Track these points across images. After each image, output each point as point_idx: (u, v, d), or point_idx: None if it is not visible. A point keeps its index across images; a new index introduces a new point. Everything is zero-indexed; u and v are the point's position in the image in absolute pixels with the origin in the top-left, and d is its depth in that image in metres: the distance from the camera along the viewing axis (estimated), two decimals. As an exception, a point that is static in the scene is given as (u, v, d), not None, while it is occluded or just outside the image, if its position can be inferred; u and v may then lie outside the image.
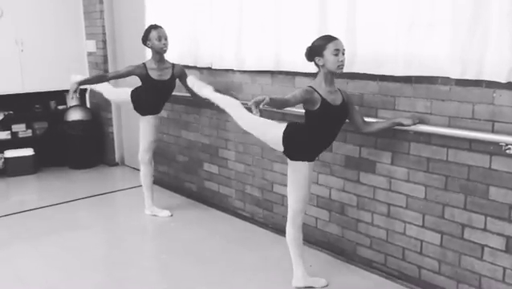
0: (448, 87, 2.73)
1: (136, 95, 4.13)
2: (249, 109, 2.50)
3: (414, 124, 2.83)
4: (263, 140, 3.10)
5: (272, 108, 2.69)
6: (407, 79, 2.90)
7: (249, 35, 3.79)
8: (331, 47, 2.70)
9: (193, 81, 3.70)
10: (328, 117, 2.80)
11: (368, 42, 3.01)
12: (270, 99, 2.46)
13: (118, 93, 4.36)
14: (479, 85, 2.60)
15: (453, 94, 2.71)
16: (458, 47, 2.59)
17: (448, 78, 2.70)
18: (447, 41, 2.65)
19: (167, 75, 4.05)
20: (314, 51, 2.75)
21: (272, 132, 2.96)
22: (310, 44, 2.79)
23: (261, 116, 2.51)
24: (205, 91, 3.53)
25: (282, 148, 2.90)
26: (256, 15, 3.71)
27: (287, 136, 2.86)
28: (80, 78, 3.99)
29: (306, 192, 2.94)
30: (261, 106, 2.44)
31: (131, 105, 4.17)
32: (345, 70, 3.14)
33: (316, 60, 2.76)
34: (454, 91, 2.71)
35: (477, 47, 2.53)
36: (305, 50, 2.79)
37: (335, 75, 2.82)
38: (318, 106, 2.74)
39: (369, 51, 3.02)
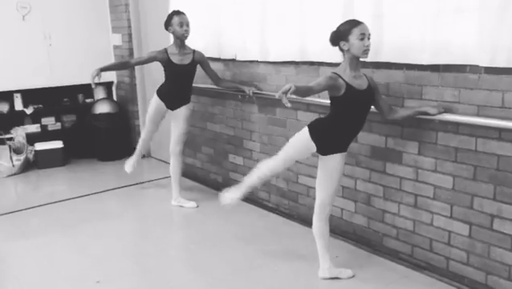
0: (477, 76, 2.67)
1: (161, 90, 4.18)
2: (275, 102, 2.51)
3: (440, 112, 2.79)
4: (296, 158, 3.09)
5: (297, 97, 2.67)
6: (434, 68, 2.85)
7: (273, 26, 3.78)
8: (356, 32, 2.67)
9: None
10: (354, 102, 2.78)
11: (395, 30, 2.97)
12: (296, 86, 2.46)
13: (150, 108, 4.35)
14: (509, 73, 2.53)
15: (482, 82, 2.66)
16: (487, 34, 2.53)
17: (477, 66, 2.64)
18: (475, 28, 2.59)
19: (187, 60, 4.10)
20: (340, 36, 2.73)
21: (297, 141, 2.93)
22: (335, 28, 2.76)
23: (288, 104, 2.50)
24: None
25: (313, 148, 2.85)
26: (280, 5, 3.69)
27: (314, 131, 2.84)
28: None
29: (337, 185, 2.93)
30: (288, 94, 2.44)
31: (163, 108, 4.23)
32: (371, 59, 3.11)
33: (341, 45, 2.74)
34: (483, 80, 2.65)
35: (507, 34, 2.46)
36: (329, 35, 2.77)
37: (360, 61, 2.79)
38: (343, 92, 2.72)
39: (395, 39, 2.98)
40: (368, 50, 2.72)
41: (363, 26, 2.70)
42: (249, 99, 4.20)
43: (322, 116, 3.02)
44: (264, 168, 3.07)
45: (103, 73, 3.89)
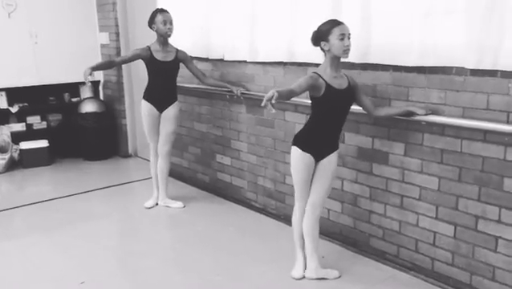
0: (462, 78, 2.70)
1: (147, 93, 4.16)
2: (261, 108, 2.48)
3: (427, 114, 2.82)
4: (308, 178, 2.92)
5: (280, 101, 2.63)
6: (421, 70, 2.87)
7: (262, 26, 3.78)
8: (336, 32, 2.69)
9: None
10: (333, 102, 2.79)
11: (382, 31, 2.99)
12: (278, 92, 2.45)
13: (144, 118, 4.28)
14: (494, 75, 2.56)
15: (468, 84, 2.68)
16: (473, 37, 2.56)
17: (463, 68, 2.67)
18: (462, 30, 2.61)
19: (170, 57, 4.11)
20: (320, 36, 2.74)
21: (295, 164, 2.88)
22: (315, 29, 2.78)
23: (273, 110, 2.47)
24: None
25: (311, 157, 2.83)
26: (269, 5, 3.69)
27: (300, 142, 2.85)
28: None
29: (329, 186, 2.95)
30: (273, 101, 2.43)
31: (154, 112, 4.17)
32: (358, 60, 3.13)
33: (322, 45, 2.76)
34: (469, 82, 2.68)
35: (493, 37, 2.49)
36: (311, 35, 2.78)
37: (340, 61, 2.81)
38: (323, 91, 2.73)
39: (383, 41, 2.99)
40: (349, 49, 2.73)
41: (343, 27, 2.71)
42: (237, 100, 4.19)
43: (308, 116, 3.02)
44: (304, 221, 2.97)
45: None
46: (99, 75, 6.08)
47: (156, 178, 4.37)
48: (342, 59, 2.80)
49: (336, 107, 2.83)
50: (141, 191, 4.88)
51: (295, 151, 2.86)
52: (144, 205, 4.36)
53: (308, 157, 2.83)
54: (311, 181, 2.93)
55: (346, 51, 2.72)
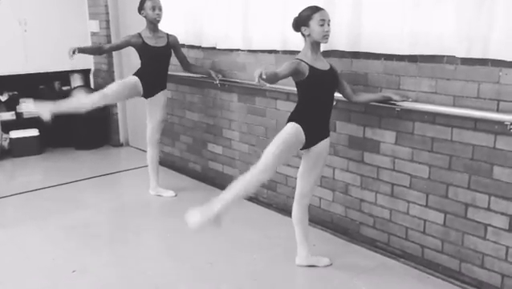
0: (453, 66, 2.70)
1: (138, 74, 4.12)
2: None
3: (402, 100, 2.89)
4: (287, 156, 2.85)
5: (266, 84, 2.59)
6: (412, 58, 2.88)
7: (254, 14, 3.76)
8: (316, 17, 2.72)
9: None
10: (319, 83, 2.80)
11: (374, 20, 2.99)
12: (266, 71, 2.45)
13: (125, 81, 4.20)
14: (485, 64, 2.57)
15: (459, 73, 2.69)
16: (464, 25, 2.57)
17: (454, 57, 2.67)
18: (453, 19, 2.62)
19: (162, 43, 4.09)
20: (301, 22, 2.77)
21: (286, 135, 2.78)
22: (296, 15, 2.79)
23: (266, 85, 2.48)
24: None
25: (303, 139, 2.79)
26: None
27: (299, 120, 2.80)
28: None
29: (319, 174, 2.96)
30: (263, 76, 2.43)
31: (138, 90, 4.12)
32: (349, 48, 3.13)
33: (302, 30, 2.79)
34: (460, 70, 2.68)
35: (484, 25, 2.50)
36: (292, 21, 2.80)
37: (320, 45, 2.83)
38: (307, 74, 2.75)
39: (374, 30, 2.99)
40: (328, 35, 2.76)
41: (323, 12, 2.74)
42: (229, 88, 4.18)
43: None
44: (249, 179, 2.74)
45: (80, 56, 3.83)
46: (89, 63, 6.02)
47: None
48: (322, 45, 2.84)
49: (322, 88, 2.84)
50: (133, 180, 4.87)
51: (292, 125, 2.78)
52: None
53: (302, 135, 2.78)
54: (301, 171, 2.93)
55: (325, 37, 2.76)
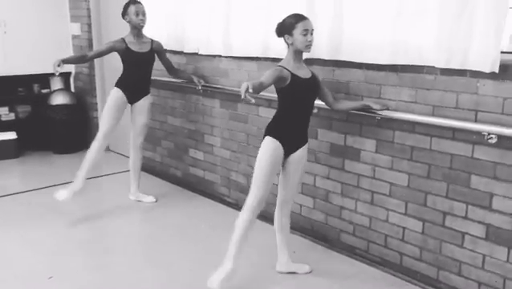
0: (433, 76, 2.75)
1: (120, 81, 4.09)
2: (237, 97, 2.46)
3: (382, 109, 2.93)
4: (274, 171, 2.83)
5: (251, 100, 2.61)
6: (392, 68, 2.92)
7: (237, 21, 3.77)
8: (300, 27, 2.72)
9: None
10: (300, 90, 2.81)
11: (355, 29, 3.02)
12: (252, 84, 2.45)
13: (109, 102, 4.11)
14: (463, 74, 2.62)
15: (438, 83, 2.73)
16: (444, 36, 2.61)
17: (433, 67, 2.72)
18: (433, 30, 2.66)
19: (146, 48, 4.08)
20: (284, 29, 2.77)
21: (265, 152, 2.79)
22: (280, 21, 2.79)
23: (252, 100, 2.46)
24: None
25: (281, 149, 2.79)
26: (244, 0, 3.68)
27: (273, 131, 2.81)
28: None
29: (299, 180, 2.97)
30: (250, 90, 2.43)
31: (124, 100, 4.07)
32: (332, 57, 3.16)
33: (285, 38, 2.79)
34: (439, 81, 2.73)
35: (463, 37, 2.55)
36: (275, 27, 2.80)
37: (302, 54, 2.84)
38: (289, 81, 2.75)
39: (355, 39, 3.02)
40: (311, 45, 2.77)
41: (307, 22, 2.75)
42: (211, 94, 4.18)
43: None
44: (250, 209, 2.81)
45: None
46: (70, 67, 5.95)
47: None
48: (305, 54, 2.85)
49: (303, 96, 2.85)
50: (112, 185, 4.82)
51: (269, 141, 2.80)
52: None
53: (280, 149, 2.80)
54: (282, 178, 2.94)
55: (308, 46, 2.76)
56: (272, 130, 2.83)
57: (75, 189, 4.01)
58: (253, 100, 2.45)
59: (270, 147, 2.79)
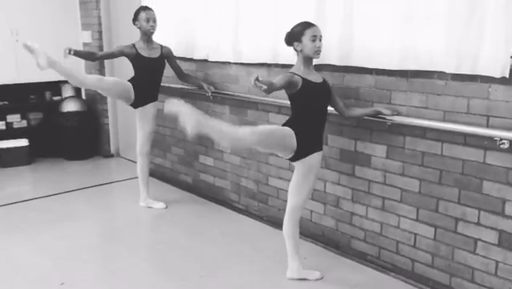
0: (444, 82, 2.74)
1: (132, 82, 4.11)
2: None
3: (393, 114, 2.92)
4: (272, 143, 2.83)
5: (263, 86, 2.58)
6: (403, 73, 2.91)
7: (246, 27, 3.78)
8: (308, 33, 2.76)
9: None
10: (312, 93, 2.83)
11: (365, 35, 3.01)
12: (260, 78, 2.49)
13: (113, 82, 4.19)
14: (474, 80, 2.60)
15: (449, 88, 2.72)
16: (454, 42, 2.60)
17: (444, 72, 2.70)
18: (443, 35, 2.65)
19: (156, 54, 4.12)
20: (293, 37, 2.81)
21: (281, 131, 2.81)
22: (289, 30, 2.84)
23: (263, 86, 2.49)
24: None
25: (293, 147, 2.80)
26: (253, 6, 3.70)
27: (294, 129, 2.81)
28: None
29: (311, 187, 2.97)
30: (260, 78, 2.46)
31: (130, 95, 4.12)
32: (340, 63, 3.16)
33: (295, 45, 2.83)
34: (450, 86, 2.71)
35: (473, 42, 2.53)
36: (284, 36, 2.84)
37: (312, 60, 2.88)
38: (300, 86, 2.78)
39: (366, 45, 3.02)
40: (320, 51, 2.80)
41: (315, 28, 2.79)
42: (216, 100, 4.19)
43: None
44: (232, 129, 2.74)
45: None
46: (81, 74, 6.00)
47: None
48: (315, 60, 2.89)
49: (315, 100, 2.86)
50: (123, 192, 4.84)
51: (287, 128, 2.81)
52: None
53: (293, 142, 2.79)
54: (293, 184, 2.94)
55: (317, 52, 2.80)
56: (289, 125, 2.84)
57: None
58: (264, 86, 2.48)
59: (286, 129, 2.80)
